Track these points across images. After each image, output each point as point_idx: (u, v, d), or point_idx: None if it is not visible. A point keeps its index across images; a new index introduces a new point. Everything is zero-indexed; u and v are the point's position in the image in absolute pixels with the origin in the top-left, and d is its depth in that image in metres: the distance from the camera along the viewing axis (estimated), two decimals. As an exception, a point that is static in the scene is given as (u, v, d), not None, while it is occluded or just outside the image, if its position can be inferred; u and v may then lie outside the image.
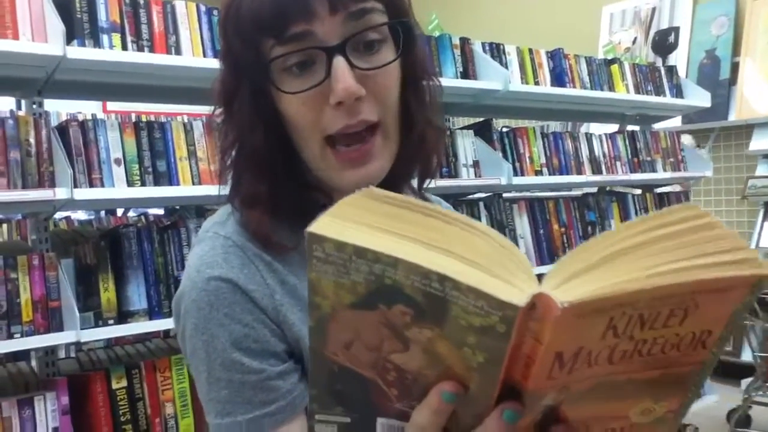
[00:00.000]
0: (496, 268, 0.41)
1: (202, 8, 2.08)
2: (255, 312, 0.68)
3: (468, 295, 0.40)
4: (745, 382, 3.62)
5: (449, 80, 2.59)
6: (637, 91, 3.34)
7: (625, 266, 0.39)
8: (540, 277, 0.42)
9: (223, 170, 0.75)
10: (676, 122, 4.27)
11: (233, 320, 0.67)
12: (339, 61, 0.65)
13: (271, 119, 0.70)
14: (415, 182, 0.82)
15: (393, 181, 0.73)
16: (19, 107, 3.84)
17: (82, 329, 1.78)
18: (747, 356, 3.72)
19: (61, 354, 2.21)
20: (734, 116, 4.25)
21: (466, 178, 2.65)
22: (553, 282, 0.40)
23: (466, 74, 2.69)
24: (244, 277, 0.68)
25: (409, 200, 0.45)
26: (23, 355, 2.21)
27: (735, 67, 4.32)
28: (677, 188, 3.76)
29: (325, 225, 0.43)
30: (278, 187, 0.71)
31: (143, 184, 1.94)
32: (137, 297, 1.92)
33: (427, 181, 0.82)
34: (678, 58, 4.63)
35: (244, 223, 0.71)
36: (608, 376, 0.45)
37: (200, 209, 2.94)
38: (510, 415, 0.45)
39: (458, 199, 2.87)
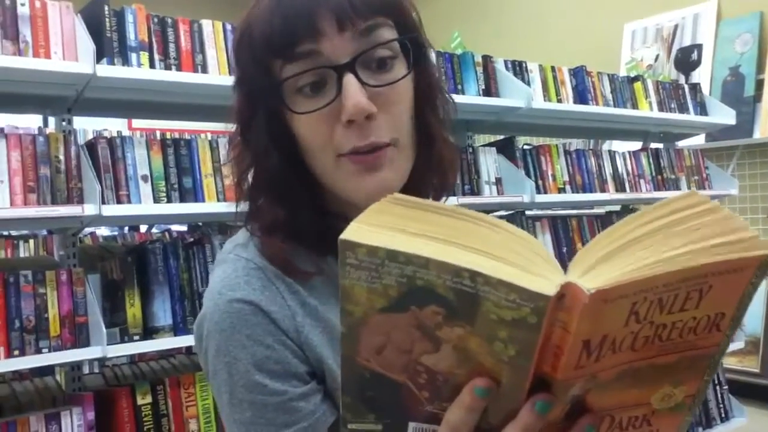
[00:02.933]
0: (524, 262, 0.43)
1: (228, 27, 2.11)
2: (276, 333, 0.68)
3: (499, 289, 0.41)
4: (774, 404, 3.56)
5: (472, 98, 2.60)
6: (661, 108, 3.32)
7: (643, 252, 0.42)
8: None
9: (239, 195, 0.75)
10: (699, 140, 4.23)
11: (255, 342, 0.67)
12: (349, 79, 0.66)
13: (285, 143, 0.71)
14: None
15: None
16: (46, 124, 3.92)
17: (108, 345, 1.79)
18: (775, 378, 3.65)
19: (86, 369, 2.23)
20: (759, 134, 4.20)
21: (489, 196, 2.65)
22: (577, 271, 0.42)
23: (488, 92, 2.69)
24: (265, 299, 0.68)
25: (433, 203, 0.47)
26: (49, 369, 2.23)
27: (760, 84, 4.28)
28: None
29: (356, 231, 0.44)
30: (296, 213, 0.72)
31: (169, 200, 1.96)
32: (162, 313, 1.93)
33: (444, 198, 0.82)
34: (701, 76, 4.60)
35: (263, 250, 0.72)
36: (631, 363, 0.47)
37: (223, 226, 2.96)
38: (542, 405, 0.46)
39: (481, 217, 2.86)
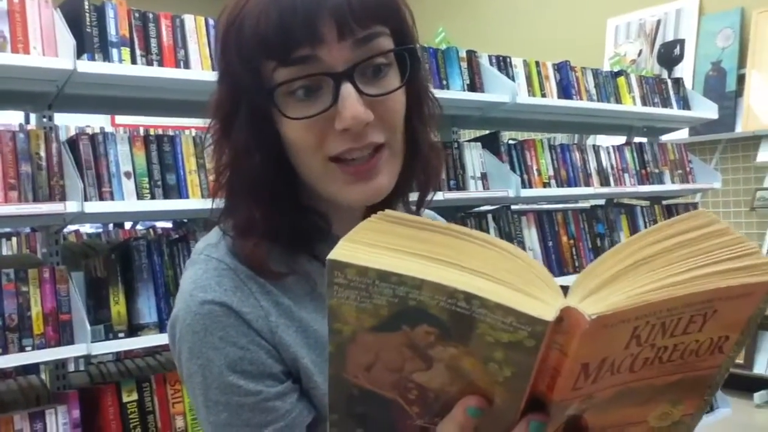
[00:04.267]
0: (521, 284, 0.41)
1: (211, 22, 2.09)
2: (250, 334, 0.67)
3: (496, 312, 0.40)
4: (758, 395, 3.60)
5: (456, 93, 2.60)
6: (644, 103, 3.34)
7: (646, 276, 0.41)
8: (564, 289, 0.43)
9: (216, 190, 0.73)
10: (683, 134, 4.26)
11: (228, 343, 0.66)
12: (347, 88, 0.64)
13: (270, 142, 0.69)
14: (413, 197, 0.81)
15: (389, 199, 0.72)
16: (27, 121, 3.89)
17: (92, 342, 1.78)
18: (760, 369, 3.70)
19: (71, 367, 2.21)
20: (741, 128, 4.25)
21: (474, 191, 2.65)
22: (578, 295, 0.41)
23: (473, 87, 2.69)
24: (237, 300, 0.67)
25: (425, 220, 0.45)
26: (33, 368, 2.21)
27: (741, 79, 4.32)
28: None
29: (345, 251, 0.43)
30: (273, 212, 0.70)
31: (153, 197, 1.95)
32: (147, 310, 1.92)
33: (427, 199, 0.81)
34: (684, 70, 4.64)
35: (236, 251, 0.70)
36: (630, 383, 0.46)
37: (208, 222, 2.94)
38: (536, 426, 0.46)
39: (466, 212, 2.87)
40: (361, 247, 0.43)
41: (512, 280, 0.41)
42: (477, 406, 0.46)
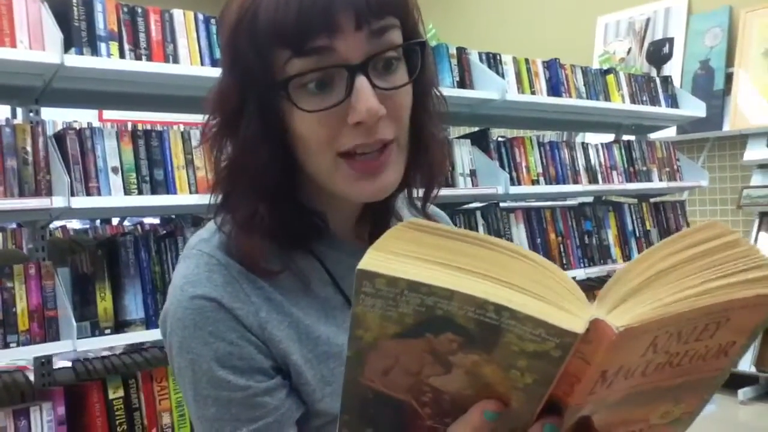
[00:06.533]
0: (549, 295, 0.42)
1: (200, 17, 2.08)
2: (239, 329, 0.67)
3: (525, 323, 0.41)
4: (742, 391, 3.62)
5: (446, 89, 2.59)
6: (633, 101, 3.36)
7: (667, 288, 0.42)
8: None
9: (215, 185, 0.73)
10: (671, 132, 4.28)
11: (217, 338, 0.66)
12: (362, 81, 0.63)
13: (277, 136, 0.68)
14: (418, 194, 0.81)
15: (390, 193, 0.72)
16: (14, 115, 3.85)
17: (78, 339, 1.77)
18: (744, 366, 3.72)
19: (57, 364, 2.19)
20: (728, 126, 4.26)
21: (463, 188, 2.66)
22: (605, 307, 0.42)
23: (462, 84, 2.70)
24: (227, 295, 0.67)
25: (452, 229, 0.45)
26: (18, 364, 2.20)
27: (729, 78, 4.34)
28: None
29: (373, 260, 0.42)
30: (274, 207, 0.70)
31: (140, 192, 1.93)
32: (134, 306, 1.91)
33: (433, 194, 0.81)
34: (672, 69, 4.66)
35: (232, 248, 0.70)
36: (639, 386, 0.47)
37: (196, 218, 2.93)
38: (550, 429, 0.47)
39: (455, 209, 2.87)
40: (389, 257, 0.43)
41: (541, 291, 0.42)
42: (494, 410, 0.47)
